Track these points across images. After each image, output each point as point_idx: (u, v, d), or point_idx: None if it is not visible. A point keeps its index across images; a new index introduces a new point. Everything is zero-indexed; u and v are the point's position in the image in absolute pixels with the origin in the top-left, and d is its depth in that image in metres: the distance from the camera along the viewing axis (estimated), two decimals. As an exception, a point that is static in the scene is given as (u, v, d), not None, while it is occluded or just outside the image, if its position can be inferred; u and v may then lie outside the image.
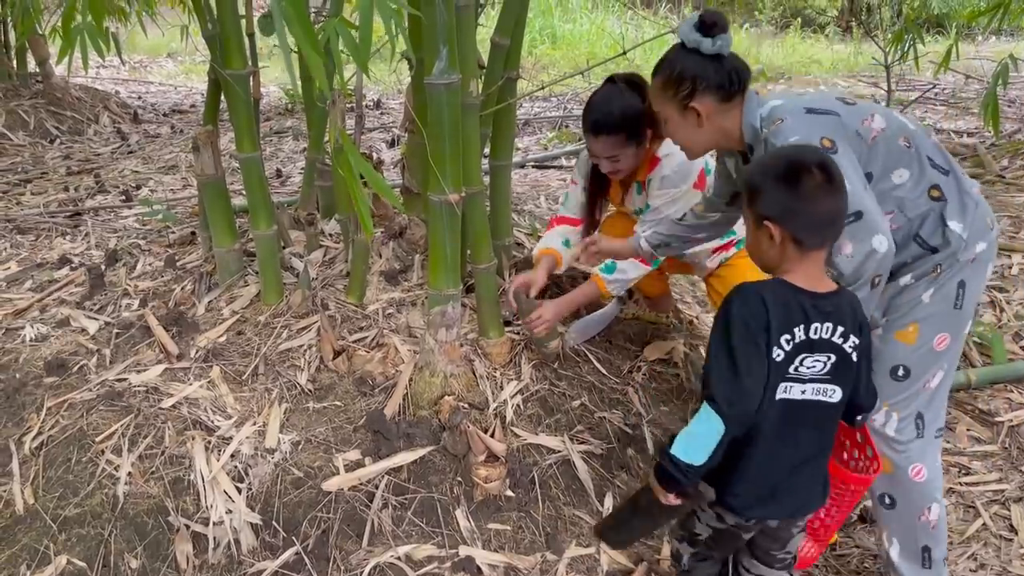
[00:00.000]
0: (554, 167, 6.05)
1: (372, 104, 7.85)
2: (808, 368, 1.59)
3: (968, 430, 2.86)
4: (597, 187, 2.70)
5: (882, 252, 1.72)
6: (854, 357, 1.62)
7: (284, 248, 2.95)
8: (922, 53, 5.79)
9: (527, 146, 6.70)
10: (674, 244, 2.33)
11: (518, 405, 2.41)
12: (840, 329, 1.59)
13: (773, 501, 1.66)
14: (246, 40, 2.62)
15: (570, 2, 9.45)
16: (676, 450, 1.56)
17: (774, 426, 1.60)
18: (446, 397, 2.31)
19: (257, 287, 2.73)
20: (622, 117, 2.38)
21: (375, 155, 5.90)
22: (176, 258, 3.11)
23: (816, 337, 1.57)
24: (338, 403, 2.37)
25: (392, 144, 6.31)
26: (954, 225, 1.84)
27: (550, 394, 2.49)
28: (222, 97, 2.75)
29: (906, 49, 5.46)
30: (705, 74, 1.87)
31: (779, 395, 1.58)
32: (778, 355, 1.55)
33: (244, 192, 2.76)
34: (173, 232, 3.67)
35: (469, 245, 2.52)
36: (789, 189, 1.57)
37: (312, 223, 2.95)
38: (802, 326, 1.56)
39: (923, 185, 1.85)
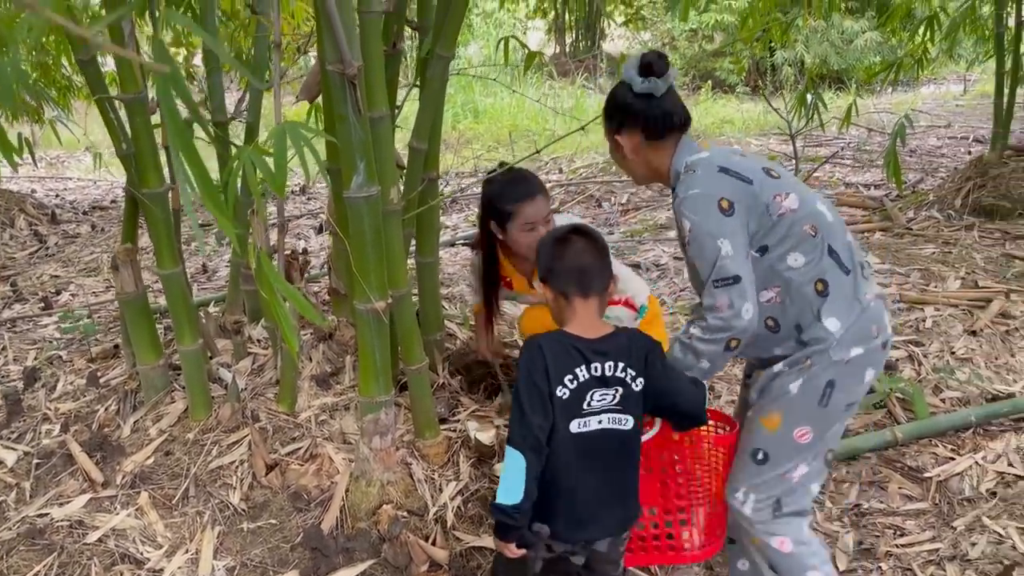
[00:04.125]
0: (483, 244, 6.11)
1: (297, 190, 7.84)
2: (599, 401, 1.76)
3: (900, 488, 2.93)
4: (491, 285, 2.74)
5: (746, 320, 1.84)
6: (636, 387, 1.78)
7: (211, 358, 2.90)
8: (825, 114, 6.10)
9: (456, 223, 6.76)
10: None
11: (459, 507, 2.39)
12: (621, 364, 1.77)
13: (594, 522, 1.81)
14: (162, 155, 2.61)
15: (490, 77, 9.68)
16: (498, 498, 1.72)
17: (577, 457, 1.76)
18: (384, 506, 2.28)
19: (184, 403, 2.67)
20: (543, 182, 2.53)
21: (301, 245, 5.88)
22: (99, 374, 3.03)
23: (601, 375, 1.76)
24: (273, 521, 2.31)
25: (320, 231, 6.30)
26: (829, 323, 1.87)
27: (490, 491, 2.47)
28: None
29: (810, 114, 5.74)
30: (633, 111, 1.96)
31: (575, 430, 1.75)
32: (563, 393, 1.73)
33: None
34: (96, 342, 3.58)
35: (399, 346, 2.52)
36: (549, 253, 1.84)
37: (239, 331, 2.91)
38: (583, 367, 1.74)
39: (813, 274, 1.88)
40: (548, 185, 7.44)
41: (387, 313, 2.23)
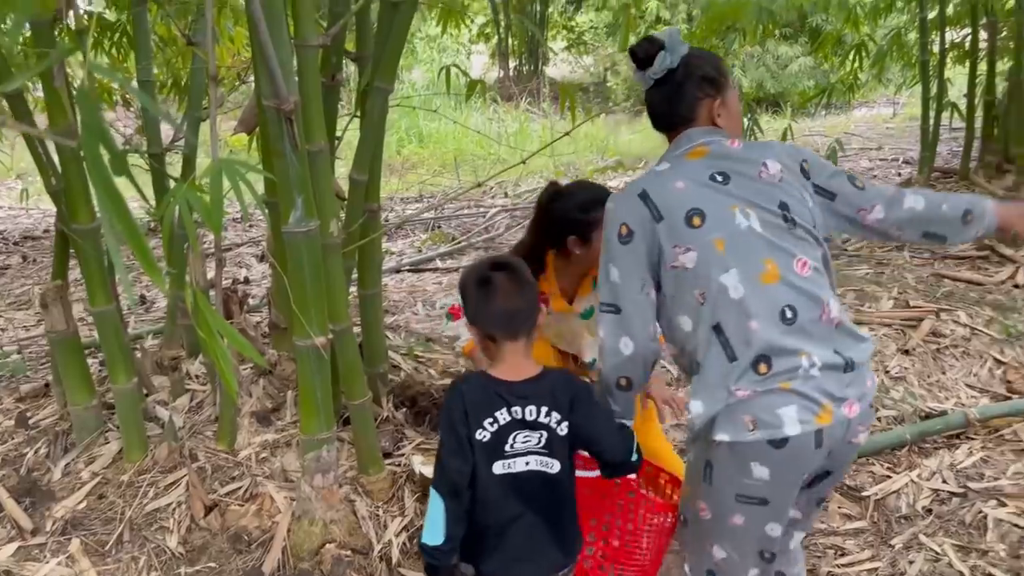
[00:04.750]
0: (429, 270, 6.09)
1: (238, 217, 7.72)
2: (523, 444, 1.75)
3: (839, 507, 2.98)
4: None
5: (625, 355, 1.75)
6: (561, 432, 1.76)
7: (148, 396, 2.82)
8: (762, 137, 6.26)
9: (401, 249, 6.74)
10: None
11: (404, 543, 2.35)
12: (544, 409, 1.75)
13: (526, 561, 1.79)
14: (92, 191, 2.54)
15: (434, 102, 9.71)
16: (422, 538, 1.76)
17: (504, 498, 1.76)
18: (327, 546, 2.23)
19: (119, 443, 2.59)
20: None
21: (243, 274, 5.78)
22: (28, 415, 2.92)
23: (522, 418, 1.74)
24: (212, 564, 2.25)
25: (262, 258, 6.21)
26: (694, 404, 1.70)
27: (436, 526, 2.44)
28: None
29: (747, 137, 5.88)
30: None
31: (499, 471, 1.75)
32: (483, 436, 1.73)
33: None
34: (27, 380, 3.45)
35: (342, 381, 2.49)
36: (476, 296, 1.79)
37: (176, 368, 2.85)
38: (504, 409, 1.73)
39: (694, 344, 1.72)
40: (494, 210, 7.50)
41: (328, 349, 2.21)
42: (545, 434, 1.75)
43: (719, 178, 1.74)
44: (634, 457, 1.87)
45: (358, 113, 2.80)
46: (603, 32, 14.88)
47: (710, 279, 1.67)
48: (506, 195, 8.42)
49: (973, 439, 3.29)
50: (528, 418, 1.74)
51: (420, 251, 6.57)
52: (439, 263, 6.21)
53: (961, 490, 2.96)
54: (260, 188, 2.79)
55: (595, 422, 1.80)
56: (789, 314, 1.65)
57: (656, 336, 1.78)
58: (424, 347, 3.68)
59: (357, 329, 2.83)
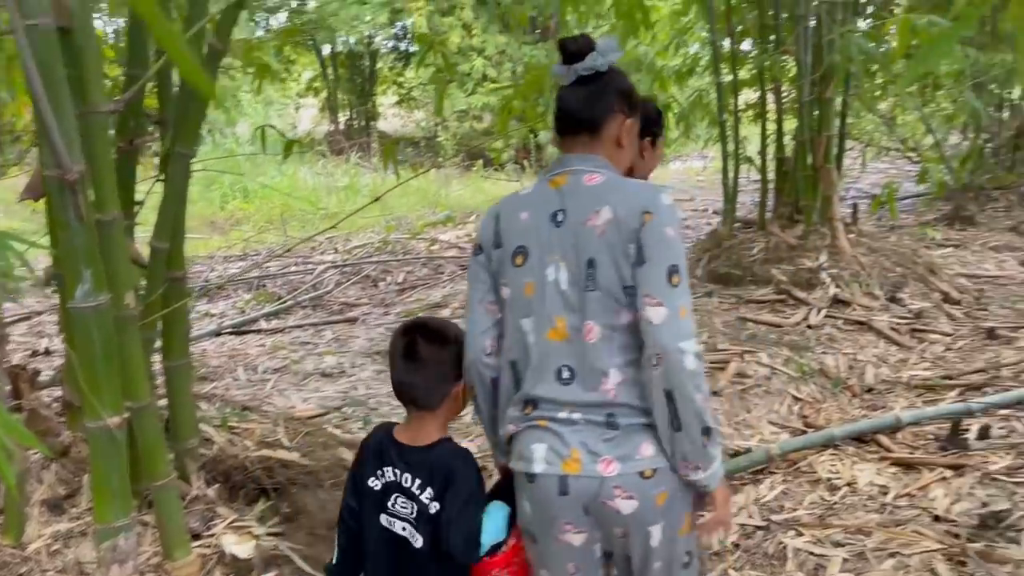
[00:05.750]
0: (253, 331, 5.88)
1: (40, 281, 7.15)
2: (401, 508, 1.78)
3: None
4: None
5: (466, 360, 1.78)
6: (431, 510, 1.74)
7: (-84, 491, 2.53)
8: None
9: (223, 311, 6.47)
10: None
11: (214, 631, 2.23)
12: (418, 482, 1.76)
13: None
14: None
15: (258, 157, 9.48)
16: None
17: (382, 553, 1.79)
18: (127, 643, 2.07)
19: None
20: None
21: (43, 345, 5.35)
22: None
23: (400, 483, 1.78)
24: (-9, 678, 2.03)
25: (67, 326, 5.77)
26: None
27: (251, 608, 2.33)
28: None
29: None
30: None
31: (383, 523, 1.80)
32: (375, 485, 1.80)
33: None
34: None
35: (143, 461, 2.34)
36: (394, 361, 1.80)
37: (-48, 457, 2.57)
38: (390, 467, 1.79)
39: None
40: (323, 266, 7.37)
41: (123, 428, 2.08)
42: (416, 507, 1.76)
43: (559, 217, 1.67)
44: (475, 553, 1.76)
45: (161, 178, 2.69)
46: (431, 88, 15.14)
47: (514, 318, 1.72)
48: (336, 251, 8.31)
49: (775, 473, 3.52)
50: (404, 485, 1.77)
51: (243, 312, 6.34)
52: (263, 324, 6.02)
53: (764, 523, 3.16)
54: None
55: (455, 511, 1.72)
56: (566, 374, 1.67)
57: (491, 351, 1.77)
58: (240, 416, 3.52)
59: (165, 402, 2.69)
